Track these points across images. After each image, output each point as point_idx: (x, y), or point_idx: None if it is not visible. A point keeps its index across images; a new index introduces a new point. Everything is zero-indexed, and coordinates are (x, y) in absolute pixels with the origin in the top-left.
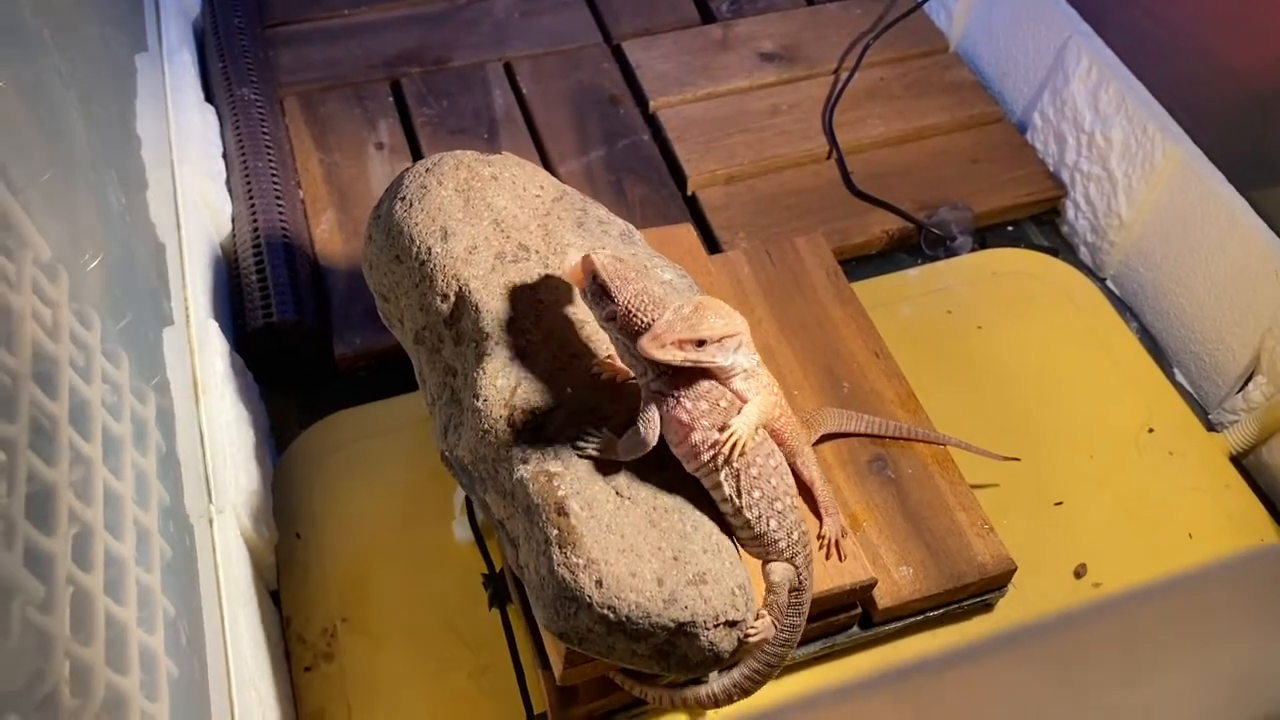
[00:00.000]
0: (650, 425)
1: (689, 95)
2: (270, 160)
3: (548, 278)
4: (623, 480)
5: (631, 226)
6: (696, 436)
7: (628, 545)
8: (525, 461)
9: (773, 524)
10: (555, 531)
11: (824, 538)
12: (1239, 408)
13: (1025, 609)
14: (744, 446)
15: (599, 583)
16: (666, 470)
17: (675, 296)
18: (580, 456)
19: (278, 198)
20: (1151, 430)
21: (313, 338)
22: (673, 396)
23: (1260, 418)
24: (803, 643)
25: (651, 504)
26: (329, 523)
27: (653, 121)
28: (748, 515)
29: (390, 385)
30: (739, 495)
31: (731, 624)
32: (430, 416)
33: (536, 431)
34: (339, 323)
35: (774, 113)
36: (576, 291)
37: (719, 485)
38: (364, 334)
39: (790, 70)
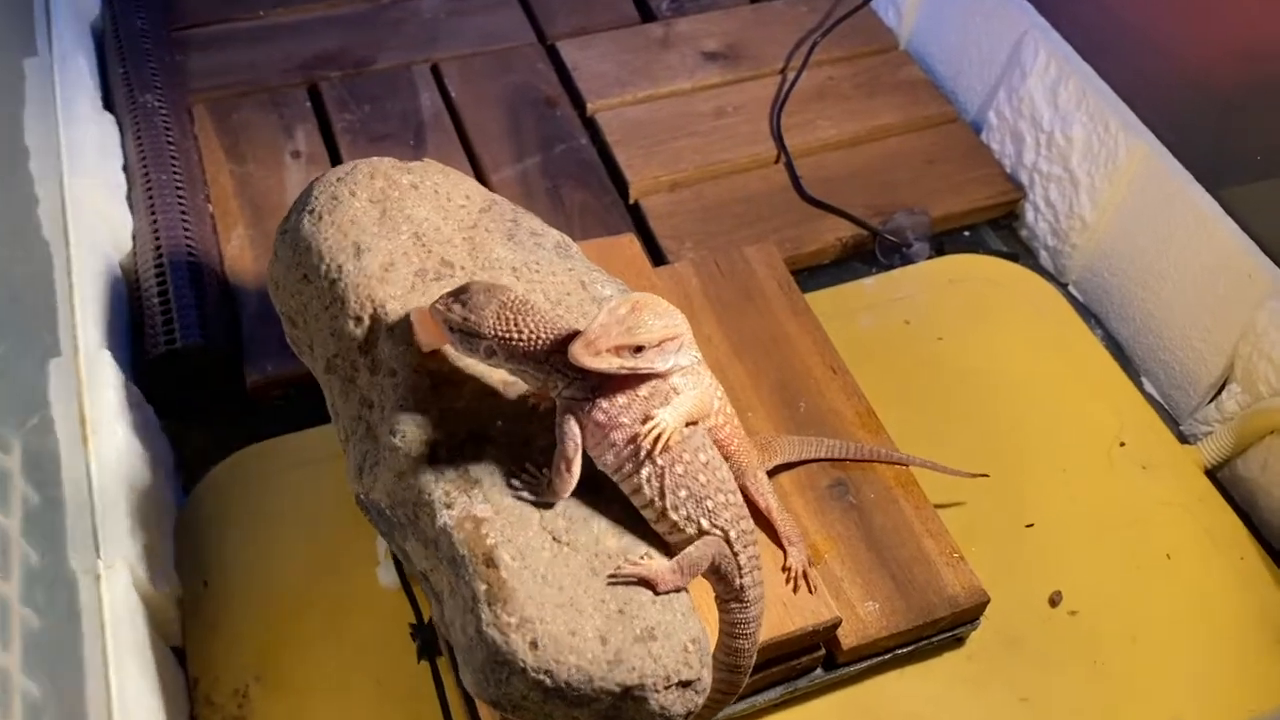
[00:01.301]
0: (571, 439)
1: (629, 97)
2: (176, 172)
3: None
4: (561, 524)
5: (568, 238)
6: (615, 435)
7: (567, 599)
8: (449, 506)
9: (704, 524)
10: (484, 586)
11: (789, 569)
12: (1212, 418)
13: (999, 640)
14: (668, 439)
15: (534, 644)
16: (611, 506)
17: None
18: (516, 499)
19: (183, 212)
20: (1123, 444)
21: (222, 364)
22: (587, 399)
23: (1236, 429)
24: (761, 688)
25: (593, 550)
26: (240, 569)
27: (591, 125)
28: (673, 518)
29: (308, 415)
30: (662, 496)
31: (685, 684)
32: (344, 454)
33: (462, 471)
34: (251, 347)
35: (719, 115)
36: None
37: (639, 489)
38: (278, 359)
39: (735, 70)
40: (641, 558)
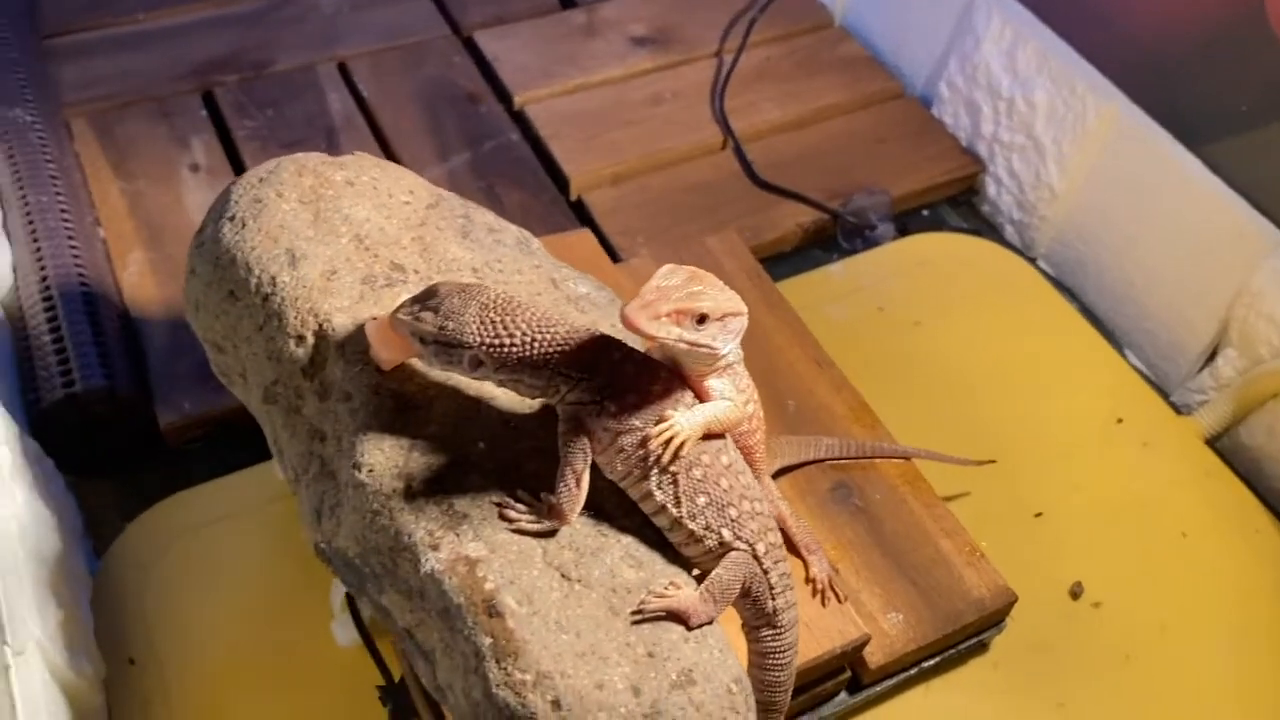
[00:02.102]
0: (580, 450)
1: (557, 88)
2: (58, 193)
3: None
4: (568, 557)
5: (527, 233)
6: (625, 439)
7: (587, 646)
8: (435, 548)
9: (726, 535)
10: (488, 640)
11: (814, 580)
12: (1207, 386)
13: (1024, 643)
14: (682, 446)
15: (556, 703)
16: (621, 530)
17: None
18: (516, 532)
19: (70, 238)
20: (1120, 420)
21: (129, 407)
22: (595, 403)
23: (1235, 395)
24: None
25: (609, 584)
26: (170, 641)
27: (520, 119)
28: (690, 527)
29: (233, 457)
30: (677, 503)
31: None
32: (294, 496)
33: (445, 506)
34: (161, 386)
35: (656, 101)
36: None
37: (649, 495)
38: (194, 396)
39: (666, 55)
40: (666, 588)
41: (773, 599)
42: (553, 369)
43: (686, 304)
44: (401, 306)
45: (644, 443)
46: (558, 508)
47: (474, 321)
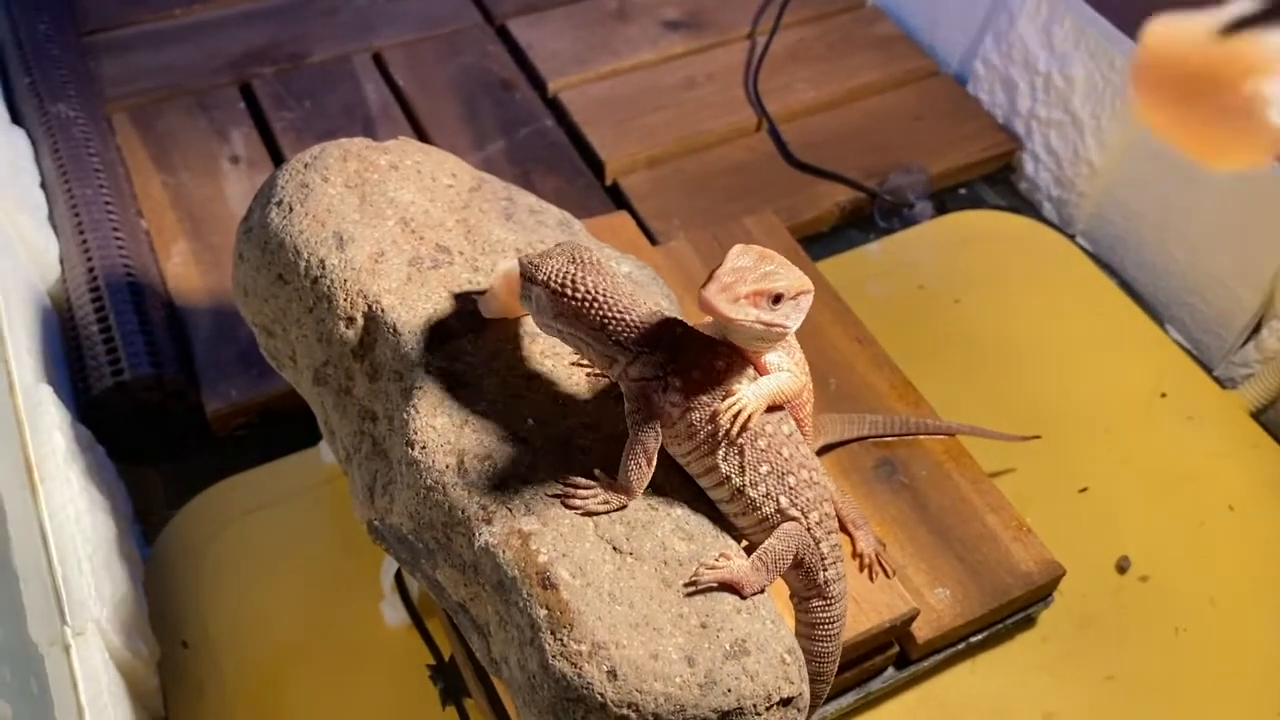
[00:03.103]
0: (653, 430)
1: (591, 74)
2: (102, 186)
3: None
4: (619, 531)
5: (569, 215)
6: (694, 415)
7: (640, 617)
8: (489, 521)
9: (783, 502)
10: (543, 611)
11: (861, 555)
12: (1252, 359)
13: (1071, 617)
14: (750, 419)
15: (612, 674)
16: (671, 503)
17: (640, 290)
18: (585, 515)
19: (115, 230)
20: (1164, 395)
21: (177, 394)
22: (658, 378)
23: None
24: (833, 696)
25: (661, 557)
26: (222, 623)
27: (554, 105)
28: (751, 494)
29: (279, 442)
30: (741, 472)
31: (785, 702)
32: (345, 476)
33: (498, 480)
34: (207, 373)
35: (690, 85)
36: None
37: (714, 468)
38: (240, 383)
39: (699, 38)
40: (718, 560)
41: (824, 569)
42: (613, 337)
43: (763, 285)
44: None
45: (713, 418)
46: (627, 485)
47: (552, 265)
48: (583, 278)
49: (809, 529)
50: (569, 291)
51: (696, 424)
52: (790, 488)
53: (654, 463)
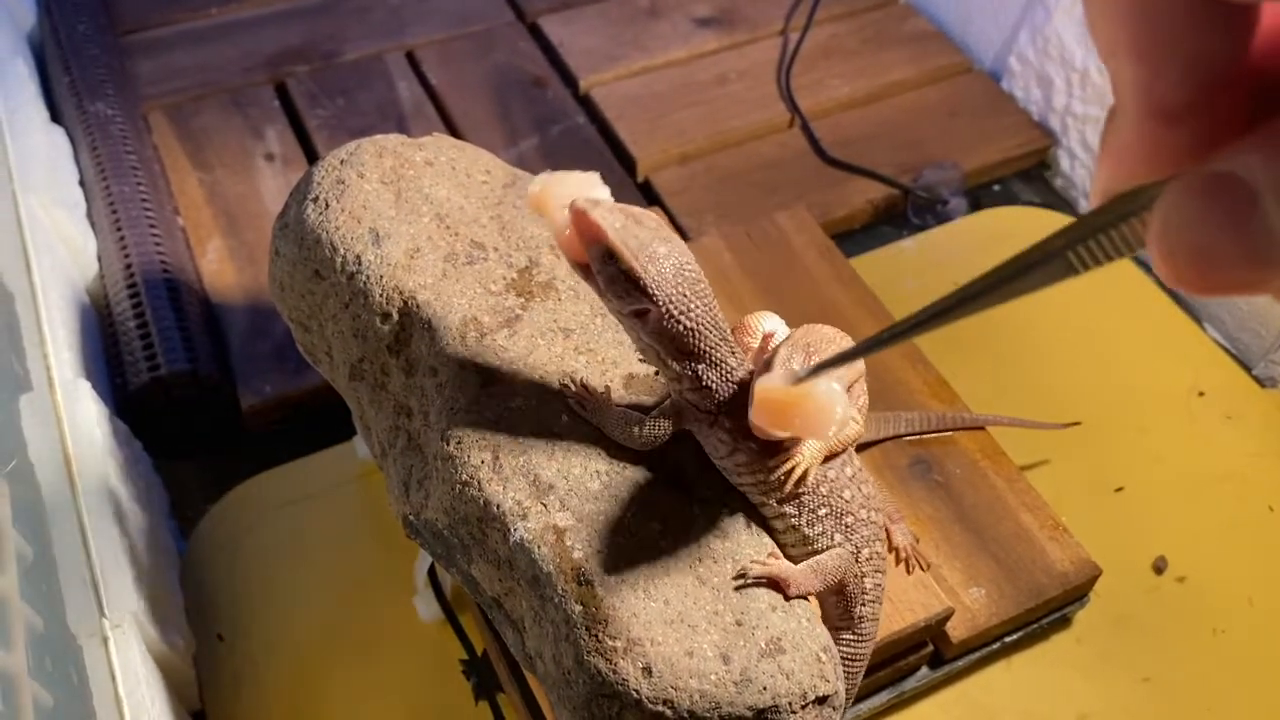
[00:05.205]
0: (657, 431)
1: (622, 71)
2: (139, 184)
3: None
4: (654, 527)
5: None
6: (741, 457)
7: (675, 614)
8: (523, 517)
9: (837, 539)
10: (578, 607)
11: (898, 549)
12: None
13: (1107, 618)
14: (806, 475)
15: (647, 670)
16: (706, 501)
17: None
18: (567, 397)
19: (152, 227)
20: (1202, 394)
21: (212, 389)
22: (710, 414)
23: None
24: (866, 694)
25: (696, 553)
26: (257, 616)
27: (586, 103)
28: (806, 532)
29: (314, 437)
30: (798, 513)
31: (821, 700)
32: (380, 471)
33: (531, 477)
34: (242, 369)
35: (722, 82)
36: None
37: (779, 514)
38: (274, 379)
39: (731, 35)
40: (769, 557)
41: (862, 604)
42: (687, 366)
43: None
44: (607, 206)
45: (768, 469)
46: (606, 420)
47: (670, 280)
48: (695, 299)
49: (857, 562)
50: (684, 321)
51: (743, 467)
52: (848, 526)
53: (668, 433)
